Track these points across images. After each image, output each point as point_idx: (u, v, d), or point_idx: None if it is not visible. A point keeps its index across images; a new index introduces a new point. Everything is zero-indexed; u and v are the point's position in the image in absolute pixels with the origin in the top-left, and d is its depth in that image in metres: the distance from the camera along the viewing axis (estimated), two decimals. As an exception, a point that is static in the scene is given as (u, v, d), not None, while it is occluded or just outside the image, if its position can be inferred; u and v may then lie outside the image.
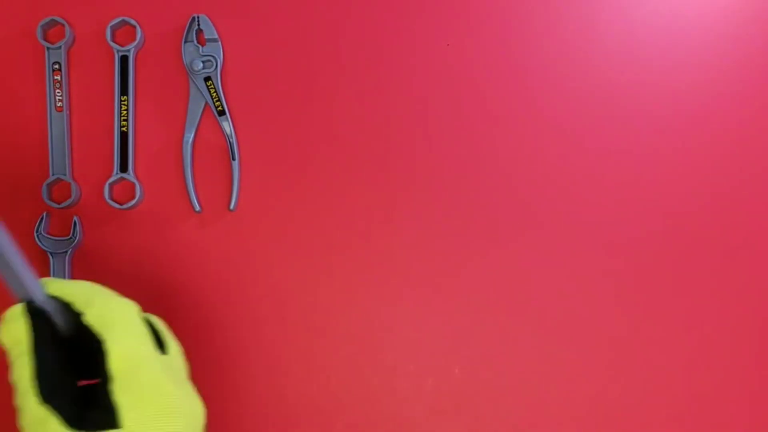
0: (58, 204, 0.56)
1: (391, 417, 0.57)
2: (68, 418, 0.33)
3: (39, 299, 0.36)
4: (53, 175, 0.56)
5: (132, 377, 0.34)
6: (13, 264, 0.34)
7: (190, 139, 0.56)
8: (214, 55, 0.56)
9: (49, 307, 0.36)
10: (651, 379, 0.57)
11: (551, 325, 0.57)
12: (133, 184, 0.56)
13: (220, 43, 0.57)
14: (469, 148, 0.58)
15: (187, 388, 0.38)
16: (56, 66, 0.56)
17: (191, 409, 0.36)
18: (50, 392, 0.33)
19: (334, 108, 0.58)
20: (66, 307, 0.37)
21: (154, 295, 0.57)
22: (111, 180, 0.56)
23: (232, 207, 0.56)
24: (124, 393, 0.33)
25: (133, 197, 0.56)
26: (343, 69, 0.58)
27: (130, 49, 0.56)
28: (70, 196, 0.56)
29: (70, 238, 0.56)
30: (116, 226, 0.57)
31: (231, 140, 0.56)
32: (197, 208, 0.56)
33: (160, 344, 0.39)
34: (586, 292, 0.58)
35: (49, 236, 0.56)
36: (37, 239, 0.55)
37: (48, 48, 0.56)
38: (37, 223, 0.56)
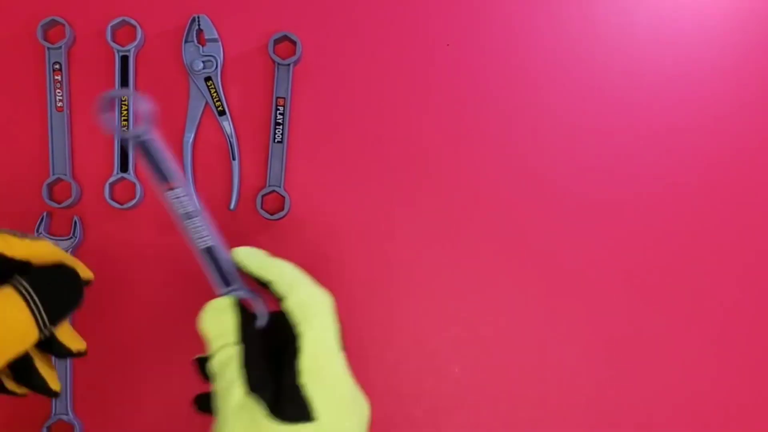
0: (59, 204, 0.56)
1: (391, 417, 0.57)
2: (269, 408, 0.35)
3: (243, 290, 0.38)
4: (54, 174, 0.56)
5: (323, 373, 0.35)
6: (220, 257, 0.37)
7: (190, 139, 0.57)
8: (215, 55, 0.56)
9: (251, 296, 0.38)
10: (651, 378, 0.57)
11: (551, 324, 0.57)
12: (134, 184, 0.56)
13: (220, 43, 0.57)
14: (470, 146, 0.58)
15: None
16: (57, 66, 0.56)
17: (363, 403, 0.38)
18: (256, 383, 0.35)
19: (334, 107, 0.58)
20: (265, 286, 0.38)
21: (154, 295, 0.57)
22: (111, 180, 0.56)
23: (232, 207, 0.56)
24: (316, 388, 0.35)
25: (134, 197, 0.56)
26: (344, 68, 0.58)
27: (131, 49, 0.56)
28: (70, 196, 0.56)
29: (71, 238, 0.56)
30: (117, 226, 0.57)
31: (231, 140, 0.56)
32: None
33: None
34: (586, 291, 0.58)
35: (49, 236, 0.56)
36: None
37: (48, 48, 0.56)
38: (38, 223, 0.56)
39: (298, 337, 0.36)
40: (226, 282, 0.39)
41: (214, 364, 0.37)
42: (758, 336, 0.58)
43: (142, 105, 0.37)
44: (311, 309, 0.37)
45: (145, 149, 0.37)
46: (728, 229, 0.58)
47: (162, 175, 0.37)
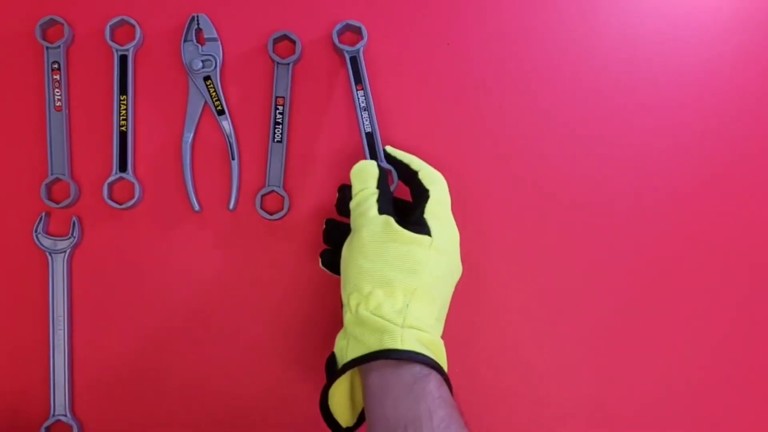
0: (57, 204, 0.56)
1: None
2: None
3: (383, 163, 0.55)
4: (52, 174, 0.56)
5: (440, 215, 0.50)
6: (376, 142, 0.55)
7: (190, 139, 0.56)
8: (214, 55, 0.56)
9: (388, 168, 0.54)
10: (652, 378, 0.57)
11: (552, 324, 0.57)
12: (133, 184, 0.56)
13: (219, 42, 0.57)
14: (468, 145, 0.58)
15: None
16: (55, 65, 0.56)
17: (458, 250, 0.52)
18: (386, 210, 0.49)
19: (333, 107, 0.58)
20: (403, 166, 0.53)
21: (153, 295, 0.57)
22: (110, 179, 0.56)
23: (231, 207, 0.56)
24: (433, 222, 0.49)
25: (133, 197, 0.56)
26: (344, 67, 0.58)
27: (130, 48, 0.56)
28: (69, 196, 0.56)
29: (70, 237, 0.56)
30: (115, 226, 0.57)
31: (230, 140, 0.56)
32: (197, 207, 0.56)
33: None
34: (586, 292, 0.58)
35: (48, 236, 0.56)
36: (36, 239, 0.55)
37: (47, 47, 0.56)
38: (36, 223, 0.55)
39: (426, 192, 0.50)
40: (375, 157, 0.55)
41: (356, 199, 0.50)
42: (762, 337, 0.58)
43: (362, 34, 0.56)
44: (435, 178, 0.51)
45: (353, 61, 0.56)
46: (730, 228, 0.58)
47: (358, 79, 0.55)
